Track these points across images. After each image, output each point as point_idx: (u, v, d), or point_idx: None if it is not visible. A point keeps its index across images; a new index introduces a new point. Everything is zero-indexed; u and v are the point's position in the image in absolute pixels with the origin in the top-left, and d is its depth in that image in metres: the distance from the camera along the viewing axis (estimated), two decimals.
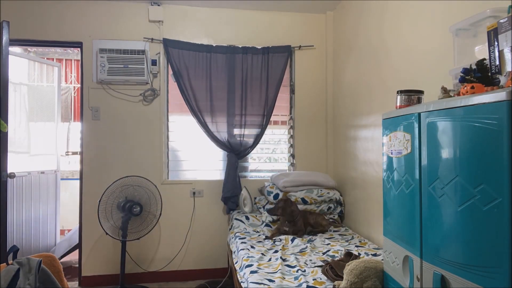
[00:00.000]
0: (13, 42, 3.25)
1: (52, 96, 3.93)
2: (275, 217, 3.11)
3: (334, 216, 3.26)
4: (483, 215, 0.99)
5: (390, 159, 1.51)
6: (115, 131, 3.43)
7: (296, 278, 1.99)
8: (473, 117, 1.03)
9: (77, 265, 3.51)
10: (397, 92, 1.60)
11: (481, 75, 1.26)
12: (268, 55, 3.58)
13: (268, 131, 3.62)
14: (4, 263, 1.53)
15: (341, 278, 1.82)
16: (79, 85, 4.78)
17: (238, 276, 2.28)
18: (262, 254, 2.40)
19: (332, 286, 1.83)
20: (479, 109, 1.01)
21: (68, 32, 3.38)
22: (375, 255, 2.32)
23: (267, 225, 3.11)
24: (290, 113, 3.78)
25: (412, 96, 1.56)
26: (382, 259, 1.65)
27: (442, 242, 1.16)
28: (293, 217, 2.87)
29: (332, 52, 3.70)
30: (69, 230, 5.01)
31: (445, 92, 1.40)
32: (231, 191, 3.41)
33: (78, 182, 3.45)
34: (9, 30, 2.89)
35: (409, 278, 1.32)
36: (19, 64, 3.56)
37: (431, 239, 1.21)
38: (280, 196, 3.16)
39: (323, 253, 2.42)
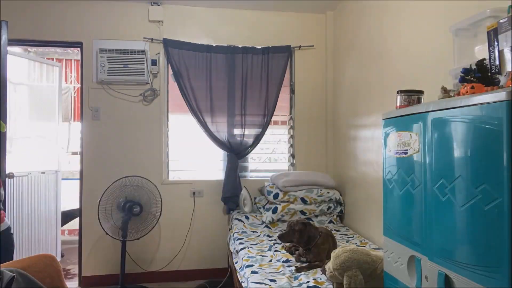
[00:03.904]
0: (13, 42, 3.24)
1: (53, 96, 3.92)
2: (288, 244, 2.51)
3: (333, 216, 3.26)
4: (484, 215, 0.99)
5: (393, 159, 1.51)
6: (115, 131, 3.43)
7: (296, 278, 1.99)
8: (473, 117, 1.03)
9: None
10: (397, 92, 1.60)
11: (481, 75, 1.26)
12: (268, 55, 3.57)
13: (268, 131, 3.62)
14: None
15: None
16: (79, 85, 4.77)
17: (239, 276, 2.28)
18: (262, 254, 2.40)
19: (331, 286, 1.83)
20: (479, 109, 1.01)
21: (68, 32, 3.38)
22: None
23: (267, 226, 3.11)
24: (290, 113, 3.78)
25: (412, 96, 1.56)
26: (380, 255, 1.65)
27: (446, 242, 1.16)
28: (309, 244, 2.30)
29: (332, 52, 3.69)
30: (69, 231, 5.02)
31: (445, 92, 1.40)
32: (231, 191, 3.41)
33: (78, 182, 3.45)
34: (8, 30, 2.88)
35: (416, 278, 1.32)
36: (19, 64, 3.55)
37: (436, 239, 1.21)
38: (281, 196, 3.15)
39: None
